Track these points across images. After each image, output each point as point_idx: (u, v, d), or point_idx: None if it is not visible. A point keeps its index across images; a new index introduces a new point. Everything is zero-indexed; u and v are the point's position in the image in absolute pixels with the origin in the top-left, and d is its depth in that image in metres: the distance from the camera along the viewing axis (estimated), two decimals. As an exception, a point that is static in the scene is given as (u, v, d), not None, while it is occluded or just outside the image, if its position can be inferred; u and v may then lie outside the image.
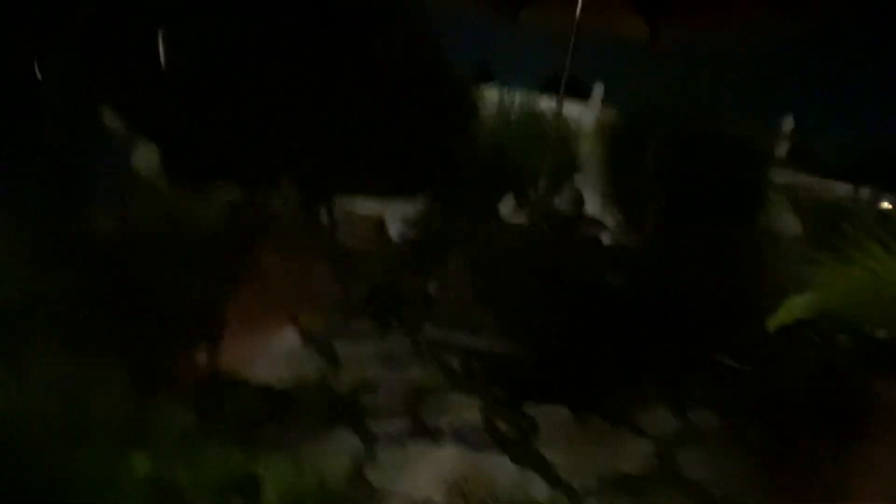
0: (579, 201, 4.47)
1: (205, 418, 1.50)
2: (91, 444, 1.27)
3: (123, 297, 2.38)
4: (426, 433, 2.59)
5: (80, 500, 1.09)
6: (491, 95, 4.90)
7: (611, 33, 4.34)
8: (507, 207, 4.28)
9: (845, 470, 2.66)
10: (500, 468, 2.46)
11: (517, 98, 5.05)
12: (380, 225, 5.27)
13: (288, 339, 3.26)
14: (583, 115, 5.22)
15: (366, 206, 5.11)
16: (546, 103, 5.01)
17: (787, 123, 5.37)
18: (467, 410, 2.81)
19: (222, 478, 1.33)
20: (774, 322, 2.14)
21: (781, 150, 5.05)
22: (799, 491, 2.57)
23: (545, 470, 2.49)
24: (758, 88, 4.15)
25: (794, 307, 2.14)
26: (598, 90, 5.95)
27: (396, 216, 5.06)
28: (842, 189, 4.96)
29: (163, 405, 1.48)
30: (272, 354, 3.07)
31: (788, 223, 4.40)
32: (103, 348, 1.68)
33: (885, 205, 4.87)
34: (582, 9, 3.64)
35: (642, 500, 2.41)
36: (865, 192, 4.97)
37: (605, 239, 4.27)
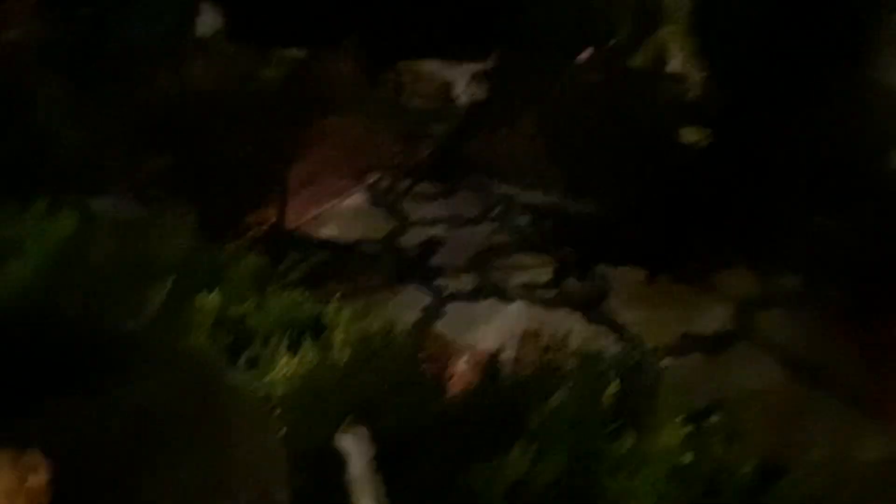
0: (662, 56, 4.08)
1: (274, 265, 1.48)
2: (161, 284, 1.27)
3: (190, 154, 2.38)
4: (495, 291, 2.57)
5: (152, 334, 1.09)
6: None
7: None
8: (583, 62, 3.96)
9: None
10: (572, 324, 2.43)
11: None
12: (446, 85, 5.02)
13: (355, 200, 3.24)
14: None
15: (432, 67, 4.87)
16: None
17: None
18: (538, 270, 2.76)
19: (292, 320, 1.32)
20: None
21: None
22: (881, 357, 2.44)
23: (617, 328, 2.44)
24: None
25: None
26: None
27: (464, 77, 4.81)
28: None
29: (232, 252, 1.46)
30: (339, 215, 3.07)
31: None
32: (172, 198, 1.66)
33: None
34: None
35: (719, 359, 2.34)
36: None
37: (690, 94, 3.92)
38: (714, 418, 1.18)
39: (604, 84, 3.74)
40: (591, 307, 2.56)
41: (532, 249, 2.90)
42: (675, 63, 4.09)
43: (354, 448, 0.63)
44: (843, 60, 3.56)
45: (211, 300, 1.27)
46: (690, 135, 3.34)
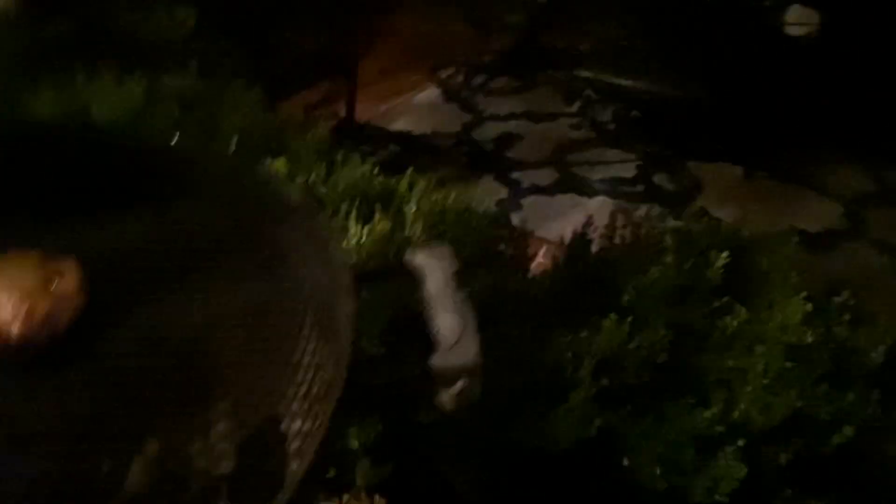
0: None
1: (344, 147, 1.38)
2: (225, 144, 1.20)
3: (260, 38, 2.28)
4: (575, 185, 2.41)
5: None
6: None
7: None
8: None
9: None
10: (659, 220, 2.26)
11: None
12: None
13: (429, 93, 3.09)
14: None
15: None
16: None
17: None
18: (623, 165, 2.57)
19: (362, 192, 1.23)
20: None
21: None
22: None
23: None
24: None
25: None
26: None
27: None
28: None
29: (294, 119, 1.38)
30: (411, 109, 2.94)
31: None
32: (236, 77, 1.57)
33: None
34: None
35: (830, 255, 2.13)
36: None
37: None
38: (837, 299, 1.03)
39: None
40: (682, 204, 2.37)
41: (617, 144, 2.70)
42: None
43: (433, 263, 0.55)
44: None
45: (277, 166, 1.19)
46: (796, 19, 2.96)
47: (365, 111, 2.65)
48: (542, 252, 1.52)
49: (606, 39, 2.89)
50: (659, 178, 2.53)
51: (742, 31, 2.82)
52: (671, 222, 2.18)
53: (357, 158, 1.30)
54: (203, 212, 0.55)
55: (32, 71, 1.43)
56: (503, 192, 2.30)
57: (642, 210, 2.28)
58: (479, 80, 3.28)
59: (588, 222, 1.24)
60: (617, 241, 1.34)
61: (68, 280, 0.47)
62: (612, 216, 1.33)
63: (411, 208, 1.22)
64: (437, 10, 3.98)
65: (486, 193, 2.27)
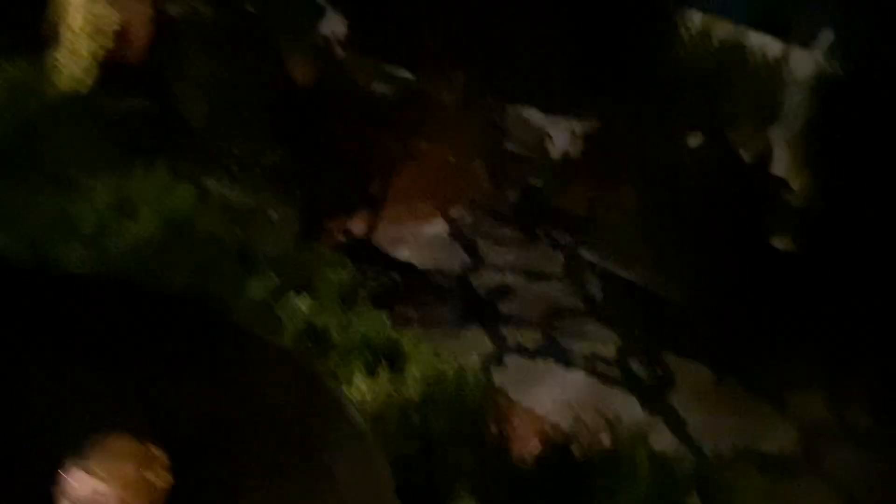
0: (767, 155, 3.99)
1: (357, 278, 1.47)
2: (260, 277, 1.27)
3: (300, 150, 2.42)
4: (557, 353, 2.50)
5: (247, 325, 1.08)
6: (693, 19, 4.40)
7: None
8: (691, 143, 3.90)
9: None
10: (628, 408, 2.34)
11: (722, 28, 4.50)
12: (543, 135, 5.03)
13: (436, 227, 3.24)
14: (800, 61, 4.57)
15: (535, 116, 4.89)
16: (756, 39, 4.43)
17: None
18: (603, 343, 2.68)
19: (371, 342, 1.30)
20: None
21: None
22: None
23: (675, 423, 2.34)
24: None
25: None
26: (827, 37, 5.15)
27: (563, 130, 4.81)
28: None
29: (324, 258, 1.46)
30: (419, 240, 3.07)
31: None
32: (277, 188, 1.69)
33: None
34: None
35: (777, 483, 2.20)
36: None
37: (789, 201, 3.80)
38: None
39: (711, 173, 3.65)
40: (652, 393, 2.46)
41: (601, 319, 2.83)
42: (779, 165, 3.99)
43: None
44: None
45: (302, 304, 1.27)
46: (782, 242, 3.22)
47: (379, 235, 2.77)
48: (526, 427, 1.58)
49: (609, 223, 3.09)
50: (635, 364, 2.63)
51: (731, 244, 3.04)
52: (637, 416, 2.28)
53: (372, 310, 1.38)
54: (263, 394, 0.61)
55: (96, 149, 1.52)
56: (489, 346, 2.38)
57: (616, 396, 2.37)
58: (485, 225, 3.45)
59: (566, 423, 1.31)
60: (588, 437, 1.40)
61: (162, 472, 0.52)
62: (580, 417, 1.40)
63: (413, 372, 1.29)
64: (460, 152, 4.25)
65: (474, 345, 2.36)
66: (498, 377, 2.19)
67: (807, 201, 3.80)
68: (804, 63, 4.47)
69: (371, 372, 1.26)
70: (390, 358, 1.32)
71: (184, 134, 1.71)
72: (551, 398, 2.21)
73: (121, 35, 1.87)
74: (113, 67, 1.84)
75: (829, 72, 3.96)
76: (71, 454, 0.51)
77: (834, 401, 2.82)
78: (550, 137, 4.96)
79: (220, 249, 1.31)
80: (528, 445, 1.34)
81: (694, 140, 3.89)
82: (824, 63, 4.48)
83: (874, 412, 2.81)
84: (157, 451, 0.54)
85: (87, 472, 0.50)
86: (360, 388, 1.19)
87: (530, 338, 2.54)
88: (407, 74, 3.73)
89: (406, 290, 2.50)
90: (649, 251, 2.98)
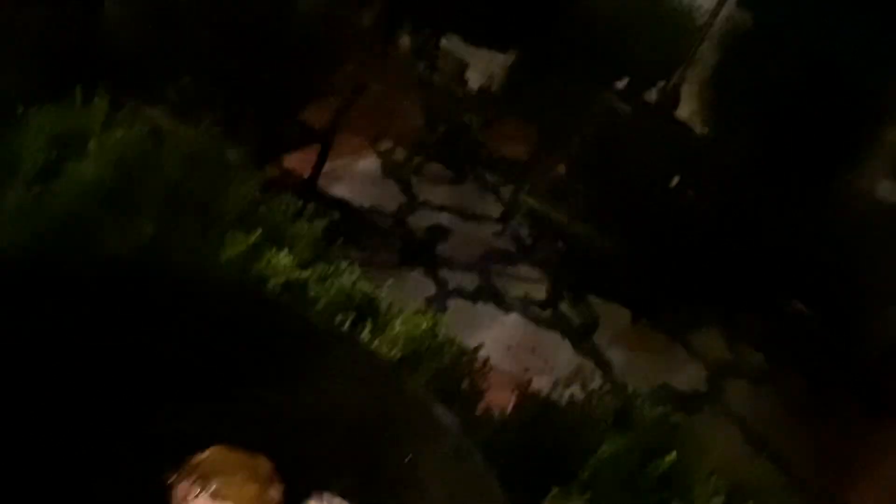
0: (674, 99, 4.16)
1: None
2: (241, 234, 1.19)
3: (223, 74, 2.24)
4: (494, 296, 2.56)
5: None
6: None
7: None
8: (618, 90, 3.97)
9: (881, 444, 2.66)
10: (560, 351, 2.46)
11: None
12: (463, 67, 4.95)
13: (368, 164, 3.15)
14: (711, 9, 4.72)
15: (457, 46, 4.78)
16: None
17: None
18: (536, 287, 2.76)
19: (348, 298, 1.26)
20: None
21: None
22: (834, 449, 2.58)
23: (602, 363, 2.48)
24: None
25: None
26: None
27: (483, 62, 4.74)
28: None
29: (292, 204, 1.38)
30: (351, 176, 2.97)
31: (887, 189, 4.11)
32: (224, 126, 1.56)
33: None
34: None
35: (688, 419, 2.42)
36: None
37: (691, 147, 4.01)
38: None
39: (630, 118, 3.76)
40: (581, 335, 2.59)
41: (533, 263, 2.91)
42: (684, 110, 4.18)
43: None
44: (839, 164, 3.72)
45: (284, 258, 1.20)
46: (688, 189, 3.42)
47: (307, 169, 2.65)
48: (500, 382, 1.61)
49: (537, 164, 3.14)
50: (564, 307, 2.74)
51: (646, 188, 3.19)
52: (568, 357, 2.40)
53: (346, 264, 1.33)
54: (345, 402, 0.58)
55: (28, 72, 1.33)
56: (432, 289, 2.39)
57: (549, 337, 2.47)
58: (416, 160, 3.40)
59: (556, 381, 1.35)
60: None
61: (277, 485, 0.48)
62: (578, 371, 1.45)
63: (395, 331, 1.27)
64: (387, 83, 4.09)
65: (417, 288, 2.36)
66: (443, 320, 2.20)
67: (708, 148, 4.03)
68: (716, 11, 4.62)
69: (353, 328, 1.22)
70: (369, 313, 1.29)
71: (117, 60, 1.52)
72: (492, 341, 2.27)
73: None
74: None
75: (739, 21, 4.13)
76: (174, 468, 0.46)
77: (732, 341, 3.10)
78: (468, 68, 4.89)
79: (184, 197, 1.20)
80: (503, 400, 1.37)
81: (622, 84, 3.98)
82: (735, 12, 4.66)
83: (765, 351, 3.13)
84: (268, 464, 0.50)
85: (211, 493, 0.45)
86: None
87: (469, 280, 2.57)
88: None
89: (346, 229, 2.43)
90: (574, 195, 3.06)
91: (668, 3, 4.50)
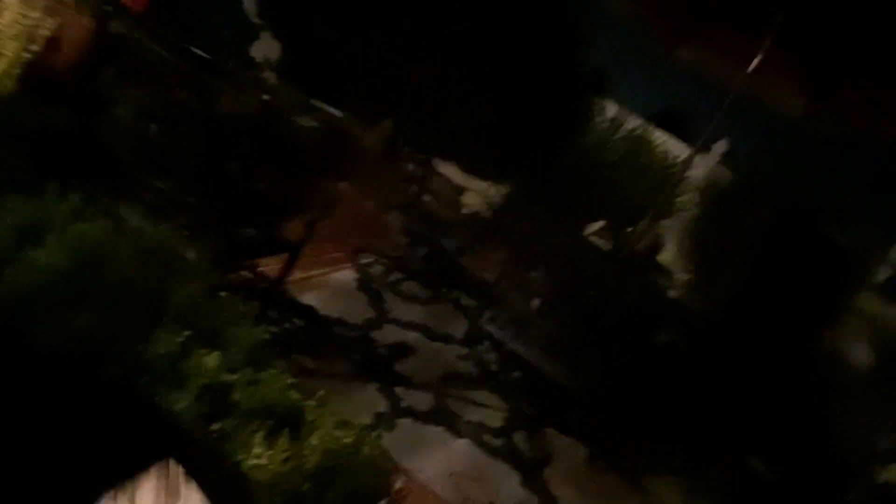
0: (657, 246, 4.33)
1: (267, 332, 1.46)
2: (170, 327, 1.25)
3: (214, 179, 2.37)
4: (446, 420, 2.55)
5: (152, 381, 1.07)
6: (606, 109, 4.76)
7: (763, 97, 4.12)
8: (594, 231, 4.16)
9: None
10: (507, 483, 2.41)
11: (631, 121, 4.91)
12: (459, 195, 5.20)
13: (344, 276, 3.25)
14: (696, 163, 5.02)
15: (454, 173, 5.04)
16: (661, 136, 4.83)
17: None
18: (492, 413, 2.76)
19: (274, 405, 1.30)
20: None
21: (882, 274, 4.77)
22: None
23: (548, 501, 2.43)
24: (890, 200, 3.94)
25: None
26: (721, 146, 5.72)
27: (477, 190, 4.98)
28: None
29: (234, 307, 1.45)
30: (326, 286, 3.06)
31: (859, 353, 4.16)
32: (193, 223, 1.67)
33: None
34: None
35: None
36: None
37: (671, 292, 4.12)
38: None
39: (606, 261, 3.90)
40: (531, 469, 2.55)
41: (493, 389, 2.92)
42: (666, 255, 4.33)
43: None
44: (813, 322, 3.80)
45: (211, 360, 1.25)
46: (662, 333, 3.47)
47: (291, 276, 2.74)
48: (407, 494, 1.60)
49: (514, 298, 3.22)
50: (518, 437, 2.72)
51: (618, 330, 3.25)
52: (513, 491, 2.35)
53: (278, 373, 1.38)
54: None
55: (9, 163, 1.45)
56: (382, 405, 2.40)
57: (497, 468, 2.44)
58: (393, 277, 3.50)
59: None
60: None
61: None
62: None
63: (313, 441, 1.29)
64: (378, 199, 4.30)
65: (369, 403, 2.37)
66: (387, 438, 2.20)
67: (687, 296, 4.13)
68: (700, 165, 4.91)
69: (270, 437, 1.25)
70: (292, 423, 1.32)
71: (103, 159, 1.65)
72: (435, 465, 2.25)
73: (52, 43, 1.80)
74: (38, 75, 1.76)
75: (720, 176, 4.39)
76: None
77: (690, 493, 3.04)
78: (463, 195, 5.13)
79: (130, 291, 1.27)
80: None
81: (596, 226, 4.16)
82: (717, 168, 4.95)
83: (725, 505, 3.05)
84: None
85: None
86: (258, 453, 1.18)
87: (424, 401, 2.58)
88: (334, 112, 3.76)
89: (307, 338, 2.48)
90: (544, 330, 3.13)
91: (655, 153, 4.82)
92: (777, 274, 3.76)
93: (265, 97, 3.09)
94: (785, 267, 3.78)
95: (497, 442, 2.61)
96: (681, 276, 4.35)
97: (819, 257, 3.79)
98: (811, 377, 3.47)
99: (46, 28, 1.78)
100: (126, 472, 0.64)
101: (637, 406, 3.06)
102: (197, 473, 0.65)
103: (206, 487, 0.63)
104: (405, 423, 2.37)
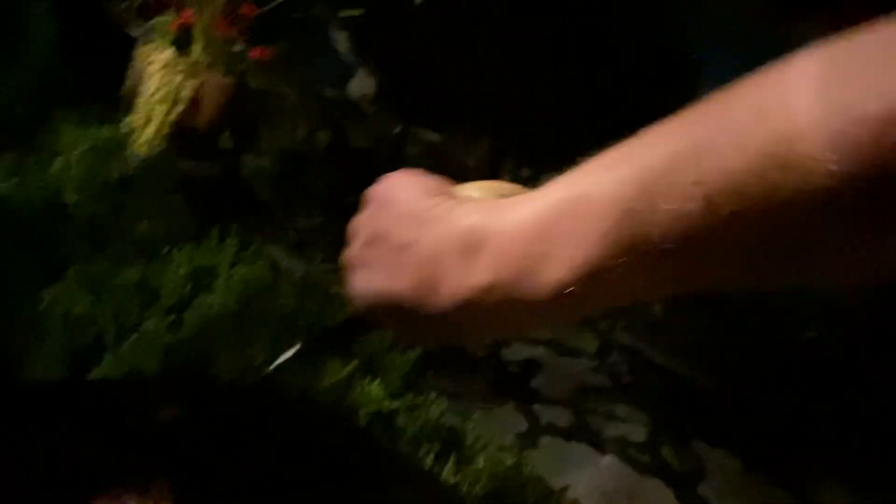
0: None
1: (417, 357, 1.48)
2: (335, 359, 1.28)
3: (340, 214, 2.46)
4: (589, 436, 2.48)
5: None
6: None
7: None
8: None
9: None
10: (661, 500, 2.30)
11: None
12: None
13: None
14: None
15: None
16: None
17: None
18: (633, 427, 2.65)
19: (434, 429, 1.30)
20: None
21: None
22: None
23: (708, 517, 2.30)
24: None
25: None
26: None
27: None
28: None
29: (389, 341, 1.48)
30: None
31: None
32: (334, 258, 1.72)
33: None
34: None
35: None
36: None
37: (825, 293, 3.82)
38: None
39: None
40: (685, 483, 2.43)
41: (630, 402, 2.81)
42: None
43: None
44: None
45: (376, 388, 1.28)
46: (821, 337, 3.22)
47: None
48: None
49: (646, 310, 3.11)
50: (666, 451, 2.60)
51: (765, 338, 3.05)
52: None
53: (435, 396, 1.38)
54: None
55: (173, 216, 1.56)
56: (523, 425, 2.37)
57: (649, 484, 2.33)
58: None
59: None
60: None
61: None
62: None
63: (479, 465, 1.28)
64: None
65: (509, 421, 2.34)
66: (533, 457, 2.16)
67: (832, 289, 3.83)
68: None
69: (437, 460, 1.25)
70: (454, 445, 1.32)
71: (250, 204, 1.76)
72: (585, 484, 2.18)
73: (194, 103, 1.94)
74: (183, 133, 1.90)
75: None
76: None
77: (859, 495, 2.77)
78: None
79: (294, 325, 1.33)
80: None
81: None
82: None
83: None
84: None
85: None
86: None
87: (562, 417, 2.52)
88: (434, 137, 3.82)
89: (439, 361, 2.50)
90: (680, 335, 2.99)
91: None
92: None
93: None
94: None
95: (644, 457, 2.50)
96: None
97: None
98: None
99: (189, 90, 1.93)
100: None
101: (791, 408, 2.85)
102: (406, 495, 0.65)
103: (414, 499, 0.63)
104: (548, 440, 2.32)
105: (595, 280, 0.39)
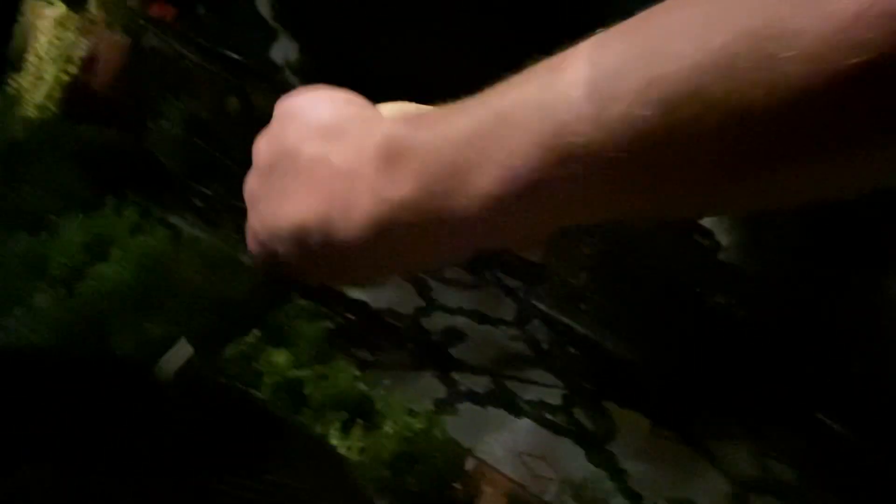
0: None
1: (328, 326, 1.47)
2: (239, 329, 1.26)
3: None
4: (506, 401, 2.55)
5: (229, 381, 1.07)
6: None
7: None
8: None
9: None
10: (574, 459, 2.40)
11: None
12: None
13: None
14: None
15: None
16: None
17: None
18: (550, 391, 2.75)
19: (344, 398, 1.31)
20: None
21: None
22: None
23: (617, 474, 2.41)
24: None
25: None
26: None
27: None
28: None
29: (297, 304, 1.46)
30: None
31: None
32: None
33: None
34: None
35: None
36: None
37: (720, 255, 4.01)
38: None
39: (650, 223, 3.83)
40: (596, 443, 2.54)
41: (548, 368, 2.91)
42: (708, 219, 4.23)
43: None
44: (871, 271, 3.67)
45: (279, 358, 1.26)
46: (718, 297, 3.40)
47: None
48: (493, 487, 1.61)
49: (557, 271, 3.19)
50: (579, 413, 2.71)
51: (676, 305, 3.20)
52: (582, 466, 2.34)
53: (345, 365, 1.39)
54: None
55: (65, 184, 1.48)
56: (441, 392, 2.41)
57: (562, 445, 2.43)
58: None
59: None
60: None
61: None
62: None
63: (386, 429, 1.30)
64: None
65: (428, 390, 2.38)
66: (451, 423, 2.21)
67: (736, 257, 4.04)
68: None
69: (345, 428, 1.26)
70: (363, 413, 1.33)
71: (153, 172, 1.68)
72: (501, 446, 2.25)
73: (88, 63, 1.83)
74: (78, 96, 1.79)
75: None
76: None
77: (760, 455, 2.98)
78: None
79: (197, 297, 1.29)
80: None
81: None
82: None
83: (797, 466, 2.99)
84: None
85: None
86: (335, 444, 1.19)
87: (481, 383, 2.58)
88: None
89: (361, 331, 2.50)
90: (599, 304, 3.10)
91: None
92: (841, 219, 3.60)
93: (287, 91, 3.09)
94: (850, 212, 3.61)
95: (558, 419, 2.60)
96: (724, 237, 4.24)
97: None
98: (883, 325, 3.36)
99: (82, 49, 1.81)
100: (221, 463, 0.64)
101: (696, 372, 3.01)
102: (295, 460, 0.65)
103: (303, 472, 0.63)
104: (466, 406, 2.37)
105: (528, 194, 0.35)
